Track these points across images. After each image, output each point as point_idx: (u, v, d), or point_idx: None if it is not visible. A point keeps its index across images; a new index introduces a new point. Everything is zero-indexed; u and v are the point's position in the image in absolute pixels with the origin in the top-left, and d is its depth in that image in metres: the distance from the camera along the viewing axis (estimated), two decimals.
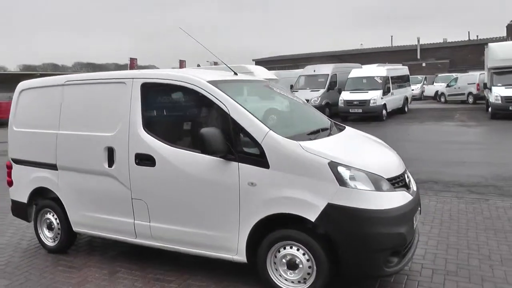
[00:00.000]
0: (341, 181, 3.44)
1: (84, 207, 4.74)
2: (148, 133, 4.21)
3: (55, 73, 36.81)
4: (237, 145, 3.77)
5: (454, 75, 30.91)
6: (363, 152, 3.99)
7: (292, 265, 3.66)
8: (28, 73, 33.21)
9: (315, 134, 4.06)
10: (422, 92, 33.03)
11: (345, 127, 4.73)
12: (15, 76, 26.77)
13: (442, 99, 28.91)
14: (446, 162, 9.68)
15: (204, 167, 3.89)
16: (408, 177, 4.06)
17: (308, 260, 3.58)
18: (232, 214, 3.80)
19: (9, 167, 5.37)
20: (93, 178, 4.58)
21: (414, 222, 3.80)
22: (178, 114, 4.43)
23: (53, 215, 5.06)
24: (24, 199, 5.23)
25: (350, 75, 21.14)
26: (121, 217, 4.46)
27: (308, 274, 3.60)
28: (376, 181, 3.54)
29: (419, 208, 4.02)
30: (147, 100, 4.31)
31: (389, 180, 3.66)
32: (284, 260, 3.68)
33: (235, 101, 3.87)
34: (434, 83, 32.21)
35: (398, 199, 3.60)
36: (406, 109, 23.00)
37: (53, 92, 5.01)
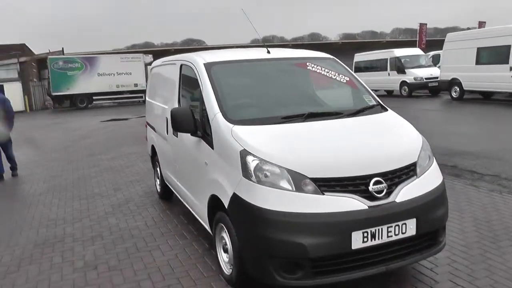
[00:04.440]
0: (245, 172, 3.20)
1: (164, 164, 5.79)
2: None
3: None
4: (203, 125, 3.94)
5: None
6: (312, 145, 3.35)
7: (224, 248, 3.68)
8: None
9: (293, 118, 3.70)
10: None
11: (386, 110, 4.13)
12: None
13: None
14: None
15: (190, 142, 4.23)
16: (388, 182, 3.17)
17: None
18: (202, 189, 4.04)
19: (146, 127, 6.93)
20: (164, 142, 5.51)
21: (361, 237, 3.03)
22: (190, 91, 4.76)
23: (158, 168, 6.31)
24: (150, 153, 6.70)
25: None
26: (174, 177, 5.28)
27: None
28: (296, 179, 3.09)
29: (398, 224, 3.16)
30: (182, 79, 4.86)
31: (323, 180, 3.08)
32: (223, 241, 3.72)
33: (212, 82, 3.98)
34: None
35: (320, 204, 3.01)
36: None
37: (156, 71, 6.25)
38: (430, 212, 3.31)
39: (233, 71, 4.34)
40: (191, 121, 3.95)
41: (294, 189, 3.06)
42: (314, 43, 51.38)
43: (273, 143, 3.36)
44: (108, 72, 30.25)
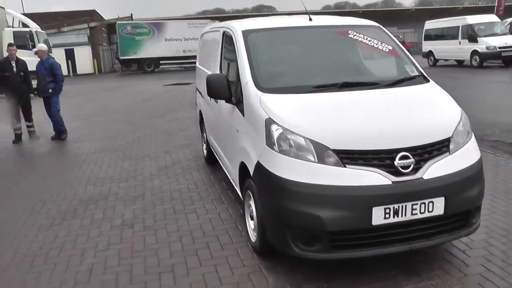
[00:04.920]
0: (269, 141, 3.18)
1: (208, 129, 5.93)
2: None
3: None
4: (236, 92, 3.94)
5: None
6: (338, 115, 3.25)
7: (251, 215, 3.72)
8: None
9: (326, 87, 3.61)
10: None
11: (428, 81, 3.91)
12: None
13: None
14: None
15: (226, 109, 4.28)
16: (416, 157, 3.01)
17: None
18: (234, 155, 4.09)
19: (196, 92, 7.05)
20: (208, 107, 5.61)
21: (383, 213, 2.93)
22: (229, 58, 4.73)
23: (204, 133, 6.44)
24: (198, 118, 6.83)
25: None
26: (215, 142, 5.39)
27: None
28: (319, 150, 3.03)
29: (425, 202, 3.02)
30: (224, 46, 4.86)
31: (345, 152, 2.99)
32: (250, 208, 3.76)
33: (248, 49, 3.95)
34: None
35: (340, 177, 2.94)
36: None
37: (205, 37, 6.33)
38: (462, 192, 3.12)
39: (271, 39, 4.27)
40: (226, 88, 3.97)
41: (316, 160, 3.01)
42: (384, 10, 49.15)
43: (299, 112, 3.30)
44: (175, 38, 31.02)
